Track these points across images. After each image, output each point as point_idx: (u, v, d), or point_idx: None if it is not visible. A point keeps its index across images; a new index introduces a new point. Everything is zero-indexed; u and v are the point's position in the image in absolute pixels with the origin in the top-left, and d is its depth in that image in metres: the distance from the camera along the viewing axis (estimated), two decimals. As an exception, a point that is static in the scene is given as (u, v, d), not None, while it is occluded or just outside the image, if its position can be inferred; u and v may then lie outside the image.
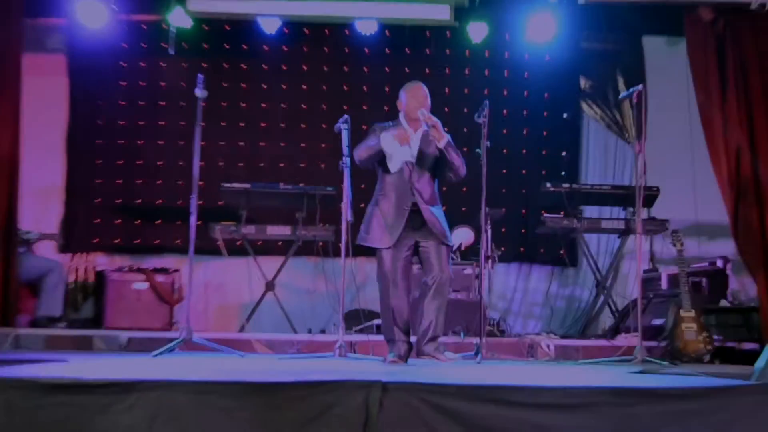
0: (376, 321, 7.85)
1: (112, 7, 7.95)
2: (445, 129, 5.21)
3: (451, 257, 5.45)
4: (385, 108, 7.76)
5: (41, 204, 8.89)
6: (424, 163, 5.22)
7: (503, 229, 9.04)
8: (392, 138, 5.12)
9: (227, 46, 9.38)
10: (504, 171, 9.33)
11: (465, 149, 5.70)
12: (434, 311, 5.07)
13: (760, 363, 4.14)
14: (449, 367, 4.67)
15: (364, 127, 5.28)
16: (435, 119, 5.08)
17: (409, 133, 5.25)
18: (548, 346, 6.86)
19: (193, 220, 5.81)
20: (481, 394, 2.93)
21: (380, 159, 5.28)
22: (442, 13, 8.18)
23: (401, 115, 5.35)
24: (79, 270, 8.92)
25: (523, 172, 9.46)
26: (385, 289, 5.20)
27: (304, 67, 9.51)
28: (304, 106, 9.44)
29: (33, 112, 8.04)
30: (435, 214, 5.19)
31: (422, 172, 5.23)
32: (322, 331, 8.03)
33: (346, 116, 5.40)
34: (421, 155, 5.22)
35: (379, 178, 5.34)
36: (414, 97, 5.26)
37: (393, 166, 5.23)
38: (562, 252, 8.81)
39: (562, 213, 8.13)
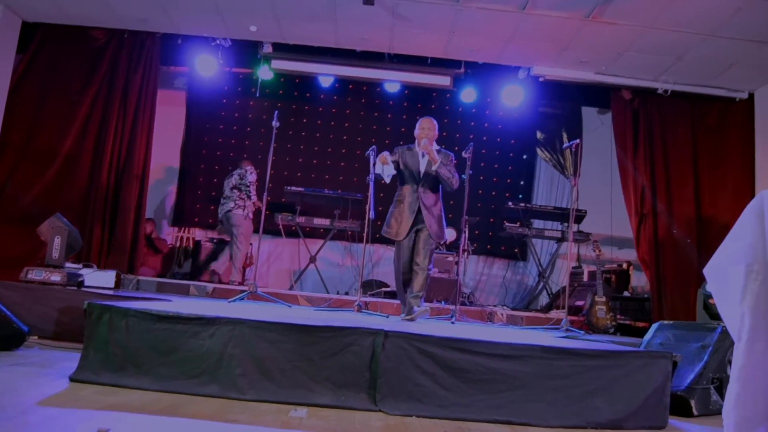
0: (385, 289, 7.88)
1: (219, 62, 8.02)
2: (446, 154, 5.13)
3: (437, 249, 5.36)
4: (401, 142, 7.79)
5: (161, 193, 8.95)
6: (427, 178, 5.08)
7: (477, 232, 9.04)
8: (379, 162, 5.02)
9: (296, 93, 9.41)
10: (480, 191, 9.30)
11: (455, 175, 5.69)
12: (415, 278, 5.02)
13: (647, 336, 4.13)
14: (433, 325, 4.66)
15: (386, 153, 5.27)
16: (429, 148, 4.99)
17: (419, 156, 5.10)
18: (502, 315, 6.84)
19: (264, 209, 5.87)
20: (452, 344, 2.93)
21: (396, 174, 5.18)
22: (444, 81, 8.21)
23: (416, 141, 5.19)
24: (183, 239, 8.97)
25: (493, 193, 9.44)
26: (398, 268, 5.16)
27: (347, 111, 9.51)
28: (345, 137, 9.45)
29: (161, 130, 8.13)
30: (434, 216, 5.05)
31: (426, 184, 5.08)
32: (346, 293, 8.03)
33: (373, 146, 5.39)
34: (426, 173, 5.09)
35: (398, 187, 5.21)
36: (422, 129, 5.14)
37: (404, 177, 5.14)
38: (516, 250, 8.81)
39: (518, 223, 8.11)
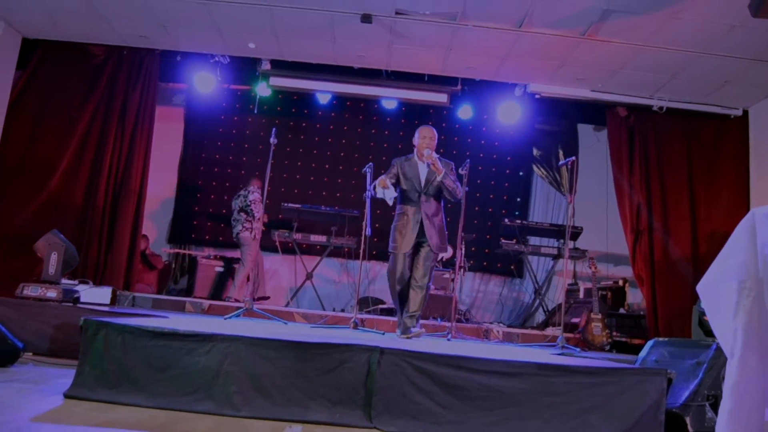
0: (381, 306, 7.87)
1: (218, 78, 8.06)
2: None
3: (434, 265, 5.26)
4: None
5: (158, 209, 8.95)
6: (429, 188, 4.94)
7: (473, 248, 9.03)
8: (379, 186, 4.88)
9: (294, 110, 9.43)
10: (476, 208, 9.32)
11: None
12: (413, 297, 4.89)
13: (642, 353, 4.13)
14: (428, 342, 4.64)
15: (383, 171, 5.25)
16: (435, 158, 4.83)
17: (419, 165, 4.99)
18: (498, 332, 6.83)
19: (260, 226, 5.86)
20: (447, 361, 2.93)
21: (396, 184, 5.03)
22: (441, 98, 8.25)
23: (415, 150, 5.10)
24: (179, 255, 8.96)
25: (490, 210, 9.44)
26: (394, 282, 4.95)
27: (345, 128, 9.54)
28: (342, 154, 9.47)
29: (159, 146, 8.15)
30: (435, 227, 4.91)
31: (428, 195, 4.94)
32: (342, 310, 8.03)
33: (371, 163, 5.39)
34: (427, 183, 4.97)
35: (398, 200, 5.07)
36: (423, 138, 5.01)
37: (404, 189, 5.00)
38: (512, 267, 8.80)
39: (515, 240, 8.11)
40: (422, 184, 4.97)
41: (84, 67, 7.72)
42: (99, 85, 7.69)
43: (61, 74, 7.66)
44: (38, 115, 7.50)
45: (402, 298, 5.00)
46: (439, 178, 4.86)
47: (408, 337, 4.78)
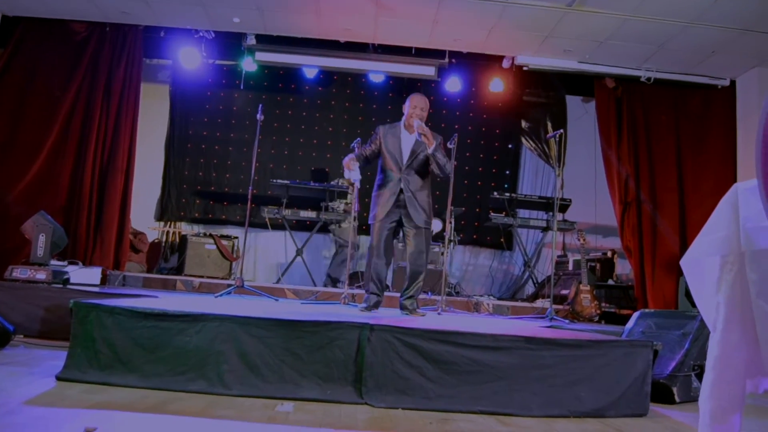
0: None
1: (203, 54, 7.98)
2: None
3: (430, 244, 5.01)
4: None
5: (147, 186, 8.89)
6: (413, 161, 4.67)
7: (463, 222, 9.05)
8: (345, 167, 4.73)
9: (281, 85, 9.36)
10: (465, 182, 9.31)
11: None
12: (410, 278, 4.71)
13: (629, 325, 4.19)
14: (417, 318, 4.66)
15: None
16: (426, 129, 4.52)
17: (402, 135, 4.74)
18: (488, 305, 6.90)
19: (249, 203, 5.85)
20: (437, 336, 2.97)
21: (376, 157, 4.84)
22: (429, 72, 8.20)
23: (404, 116, 4.81)
24: (169, 233, 8.94)
25: (479, 183, 9.45)
26: (371, 254, 4.74)
27: (332, 102, 9.48)
28: (330, 129, 9.42)
29: (145, 124, 8.09)
30: (418, 203, 4.64)
31: (411, 167, 4.67)
32: (335, 285, 8.06)
33: (358, 138, 5.36)
34: (412, 155, 4.69)
35: (378, 170, 4.84)
36: (413, 107, 4.73)
37: (385, 159, 4.77)
38: (502, 240, 8.86)
39: (504, 213, 8.15)
40: (405, 158, 4.71)
41: (66, 44, 7.60)
42: (82, 62, 7.58)
43: (43, 52, 7.55)
44: (21, 94, 7.38)
45: (377, 274, 4.74)
46: (429, 150, 4.55)
47: (418, 315, 4.69)
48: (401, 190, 4.68)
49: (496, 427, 2.62)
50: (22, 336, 4.06)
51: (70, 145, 7.42)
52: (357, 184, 4.90)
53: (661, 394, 3.49)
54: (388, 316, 4.20)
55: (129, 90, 7.71)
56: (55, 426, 2.06)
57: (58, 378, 2.78)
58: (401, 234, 5.33)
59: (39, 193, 7.15)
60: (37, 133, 7.31)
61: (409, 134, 4.80)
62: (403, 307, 4.79)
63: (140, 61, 7.89)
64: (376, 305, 4.81)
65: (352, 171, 4.78)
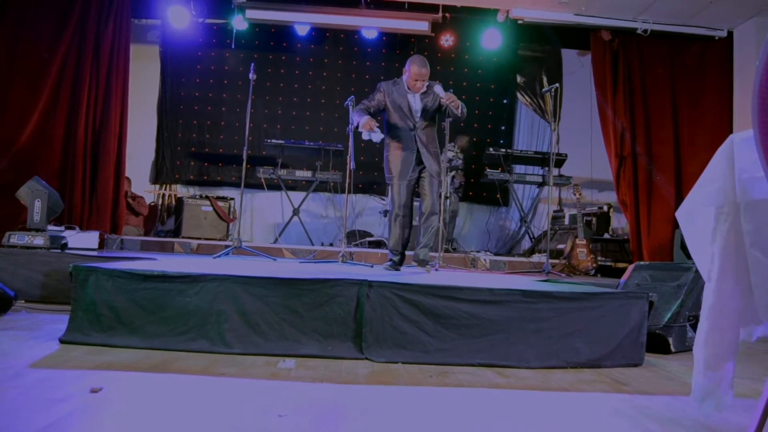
0: (369, 239, 7.94)
1: (192, 13, 7.86)
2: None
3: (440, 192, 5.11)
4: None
5: (140, 149, 8.85)
6: (425, 115, 4.77)
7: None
8: (363, 128, 4.63)
9: (272, 43, 9.25)
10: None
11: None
12: (425, 224, 4.82)
13: (624, 277, 4.23)
14: (418, 273, 4.70)
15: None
16: (454, 98, 4.56)
17: (408, 94, 4.74)
18: (485, 260, 6.94)
19: (244, 164, 5.83)
20: (434, 291, 2.99)
21: (379, 112, 4.87)
22: (422, 27, 8.10)
23: (405, 77, 4.79)
24: (165, 196, 8.94)
25: (475, 139, 9.42)
26: (395, 213, 4.82)
27: (325, 60, 9.39)
28: (323, 87, 9.36)
29: (136, 86, 7.99)
30: (432, 155, 4.77)
31: (423, 122, 4.77)
32: (330, 245, 8.09)
33: (352, 96, 5.32)
34: (424, 111, 4.76)
35: (386, 127, 4.86)
36: (414, 81, 4.70)
37: (394, 118, 4.80)
38: (498, 196, 8.85)
39: (500, 169, 8.15)
40: (417, 116, 4.79)
41: (52, 5, 7.44)
42: (69, 24, 7.42)
43: (29, 13, 7.39)
44: (9, 57, 7.24)
45: (404, 231, 4.86)
46: (458, 111, 4.60)
47: (427, 271, 4.81)
48: (417, 147, 4.79)
49: (495, 379, 2.67)
50: (23, 301, 4.09)
51: (61, 110, 7.32)
52: (377, 142, 4.81)
53: (658, 344, 3.55)
54: (390, 272, 4.23)
55: (118, 51, 7.60)
56: (61, 387, 2.09)
57: (62, 341, 2.81)
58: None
59: (32, 159, 7.08)
60: (27, 98, 7.20)
61: (414, 93, 4.82)
62: (417, 260, 4.87)
63: (128, 20, 7.75)
64: (401, 262, 4.96)
65: (374, 132, 4.70)
